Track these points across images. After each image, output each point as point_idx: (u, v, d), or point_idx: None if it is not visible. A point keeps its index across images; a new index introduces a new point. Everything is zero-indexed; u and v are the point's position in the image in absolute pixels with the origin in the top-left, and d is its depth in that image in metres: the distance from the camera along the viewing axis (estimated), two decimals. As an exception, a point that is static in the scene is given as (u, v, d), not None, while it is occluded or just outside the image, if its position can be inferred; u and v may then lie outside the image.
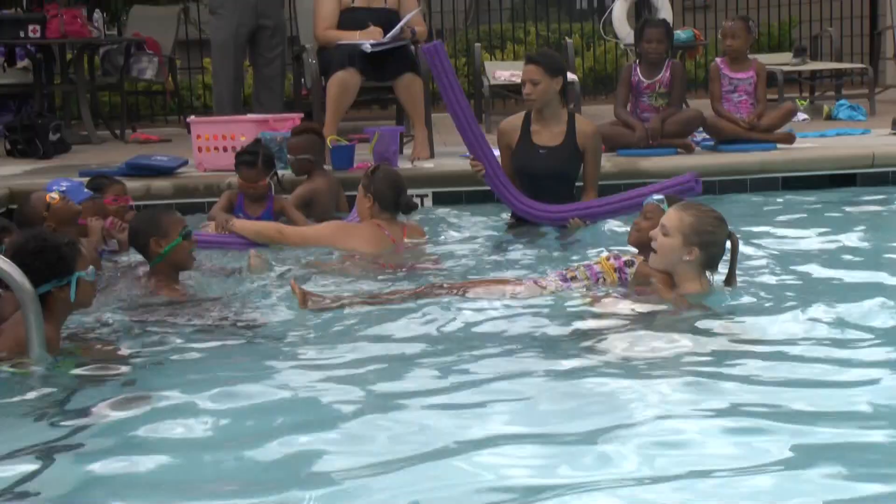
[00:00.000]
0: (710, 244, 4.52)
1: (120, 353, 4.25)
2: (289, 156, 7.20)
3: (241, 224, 6.18)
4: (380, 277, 5.40)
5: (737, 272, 4.72)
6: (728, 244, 4.60)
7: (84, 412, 3.58)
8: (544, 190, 6.55)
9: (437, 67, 6.50)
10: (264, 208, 6.70)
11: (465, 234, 6.64)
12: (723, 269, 4.67)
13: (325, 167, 7.43)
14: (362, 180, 6.06)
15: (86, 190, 5.93)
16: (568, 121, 6.63)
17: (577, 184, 6.77)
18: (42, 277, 3.99)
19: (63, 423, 3.48)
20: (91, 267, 4.21)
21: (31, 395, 3.76)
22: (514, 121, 6.73)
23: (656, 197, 5.16)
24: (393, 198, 6.00)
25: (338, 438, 3.23)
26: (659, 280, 4.60)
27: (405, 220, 6.31)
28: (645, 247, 4.81)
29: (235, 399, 3.61)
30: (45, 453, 3.23)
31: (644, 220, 5.02)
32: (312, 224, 6.52)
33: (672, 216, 4.56)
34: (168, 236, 5.04)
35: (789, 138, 8.57)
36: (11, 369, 3.90)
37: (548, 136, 6.61)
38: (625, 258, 4.80)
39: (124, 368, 4.05)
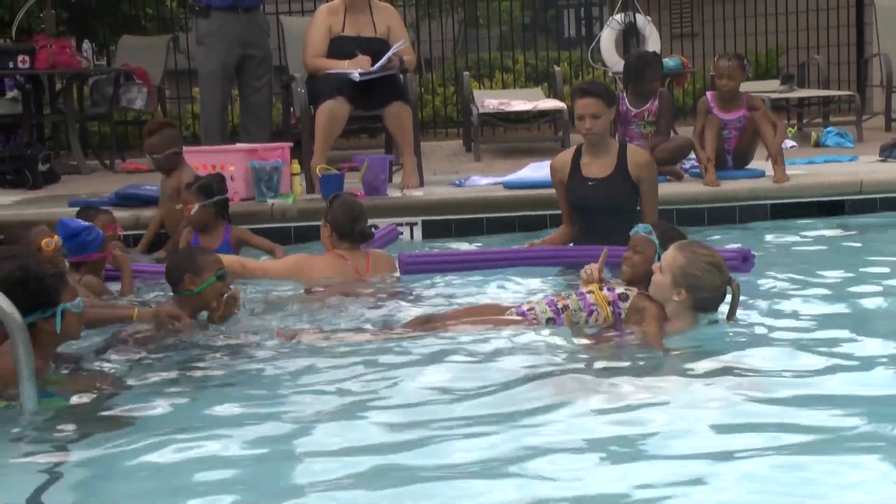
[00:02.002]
0: (697, 288, 4.51)
1: (106, 383, 4.23)
2: (153, 156, 7.24)
3: None
4: (359, 311, 5.38)
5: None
6: (728, 290, 4.60)
7: (67, 445, 3.57)
8: (599, 223, 6.22)
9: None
10: (220, 241, 6.59)
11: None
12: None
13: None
14: (324, 210, 6.10)
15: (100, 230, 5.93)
16: (619, 151, 6.29)
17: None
18: (26, 308, 3.89)
19: (46, 458, 3.46)
20: (78, 298, 4.17)
21: (15, 428, 3.74)
22: (565, 156, 6.45)
23: (642, 227, 5.09)
24: (349, 226, 6.00)
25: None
26: (652, 314, 4.59)
27: (382, 252, 6.34)
28: (638, 283, 4.80)
29: (223, 430, 3.61)
30: (29, 486, 3.21)
31: (635, 254, 4.94)
32: (278, 248, 6.60)
33: (669, 254, 4.57)
34: (202, 275, 5.03)
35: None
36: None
37: (598, 167, 6.27)
38: (619, 290, 4.76)
39: (110, 399, 4.03)
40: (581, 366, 4.29)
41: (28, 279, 4.02)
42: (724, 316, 4.68)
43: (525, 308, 4.85)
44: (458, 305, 5.32)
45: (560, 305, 4.76)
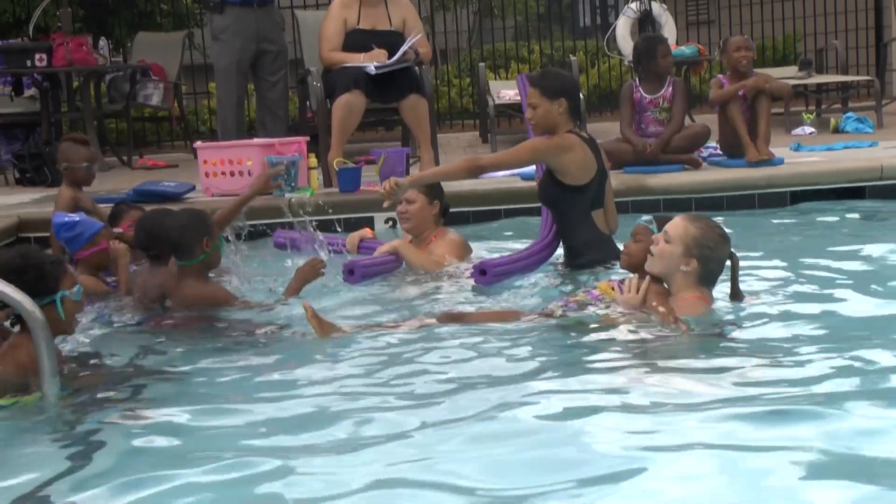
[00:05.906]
0: (709, 259, 4.52)
1: (109, 374, 4.28)
2: (66, 164, 6.60)
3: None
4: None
5: (741, 287, 4.73)
6: (728, 263, 4.61)
7: (84, 440, 3.58)
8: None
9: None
10: None
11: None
12: (726, 287, 4.69)
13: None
14: (420, 189, 5.86)
15: (97, 222, 5.89)
16: None
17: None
18: None
19: (64, 453, 3.47)
20: (77, 286, 4.16)
21: (37, 422, 3.77)
22: None
23: (645, 218, 5.04)
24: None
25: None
26: (656, 291, 4.60)
27: None
28: (636, 270, 4.80)
29: (237, 419, 3.65)
30: (49, 483, 3.22)
31: (633, 244, 4.91)
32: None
33: (678, 225, 4.56)
34: (214, 238, 5.10)
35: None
36: (17, 398, 3.89)
37: None
38: (619, 279, 4.85)
39: (118, 391, 4.07)
40: (594, 352, 4.32)
41: (27, 267, 4.00)
42: (728, 294, 4.71)
43: (541, 311, 4.92)
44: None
45: (573, 302, 4.83)
